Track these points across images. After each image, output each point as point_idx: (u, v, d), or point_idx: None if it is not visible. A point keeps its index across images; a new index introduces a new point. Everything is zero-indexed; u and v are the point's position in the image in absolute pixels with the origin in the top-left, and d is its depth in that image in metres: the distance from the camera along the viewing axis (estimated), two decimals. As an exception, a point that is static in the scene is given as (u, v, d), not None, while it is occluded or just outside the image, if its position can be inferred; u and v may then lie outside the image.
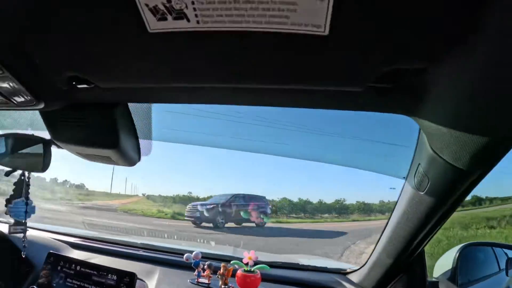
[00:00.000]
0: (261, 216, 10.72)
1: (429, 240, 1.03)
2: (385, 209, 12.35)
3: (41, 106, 0.81)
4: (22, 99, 0.81)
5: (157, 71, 0.62)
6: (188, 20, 0.43)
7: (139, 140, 0.96)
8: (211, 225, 9.66)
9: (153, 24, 0.45)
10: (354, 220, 12.77)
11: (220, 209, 10.03)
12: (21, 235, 1.07)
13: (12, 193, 1.02)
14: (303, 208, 13.98)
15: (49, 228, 1.56)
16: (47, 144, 0.94)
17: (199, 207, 10.02)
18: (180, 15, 0.43)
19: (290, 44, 0.45)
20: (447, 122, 0.58)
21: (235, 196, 10.84)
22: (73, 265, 1.16)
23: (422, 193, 0.84)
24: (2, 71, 0.68)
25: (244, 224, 10.29)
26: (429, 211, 0.86)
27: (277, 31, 0.42)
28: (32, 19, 0.50)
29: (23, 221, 1.06)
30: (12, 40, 0.58)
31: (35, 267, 1.24)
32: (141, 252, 1.35)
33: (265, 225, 10.67)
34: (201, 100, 0.76)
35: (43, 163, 0.95)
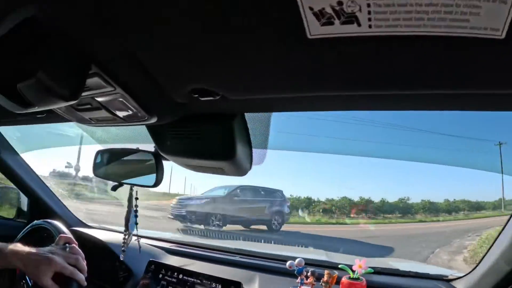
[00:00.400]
0: (276, 217, 8.31)
1: None
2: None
3: (153, 121, 0.79)
4: (132, 115, 0.80)
5: (302, 80, 0.57)
6: (359, 25, 0.39)
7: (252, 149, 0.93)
8: (202, 227, 7.40)
9: (314, 29, 0.41)
10: (420, 221, 10.96)
11: (216, 206, 7.93)
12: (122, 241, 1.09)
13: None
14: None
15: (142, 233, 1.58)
16: (157, 157, 0.92)
17: (187, 202, 8.11)
18: (351, 19, 0.39)
19: (462, 48, 0.42)
20: None
21: (240, 189, 8.24)
22: (175, 273, 1.16)
23: None
24: (113, 88, 0.66)
25: (252, 226, 8.00)
26: None
27: (453, 35, 0.39)
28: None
29: (132, 232, 1.07)
30: (129, 55, 0.56)
31: (134, 274, 1.25)
32: (237, 258, 1.33)
33: (281, 229, 8.18)
34: (341, 107, 0.72)
35: (156, 178, 0.92)
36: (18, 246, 0.90)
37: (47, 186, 1.55)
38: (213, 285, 1.10)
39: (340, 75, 0.53)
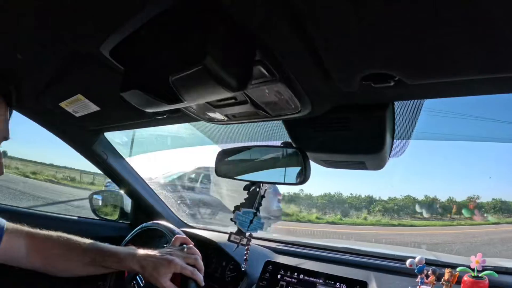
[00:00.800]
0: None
1: None
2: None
3: (304, 113, 0.75)
4: (282, 109, 0.76)
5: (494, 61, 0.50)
6: None
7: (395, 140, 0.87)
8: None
9: None
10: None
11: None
12: (236, 245, 1.06)
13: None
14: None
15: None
16: (304, 154, 0.87)
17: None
18: None
19: None
20: None
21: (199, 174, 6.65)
22: (295, 273, 1.13)
23: None
24: (274, 77, 0.62)
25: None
26: None
27: None
28: None
29: (246, 233, 1.03)
30: (298, 40, 0.52)
31: (247, 274, 1.23)
32: (348, 257, 1.28)
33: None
34: None
35: (304, 175, 0.87)
36: (134, 249, 0.90)
37: (151, 189, 1.60)
38: (337, 285, 1.05)
39: None
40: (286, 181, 0.93)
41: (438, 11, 0.40)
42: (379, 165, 0.90)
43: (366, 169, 0.92)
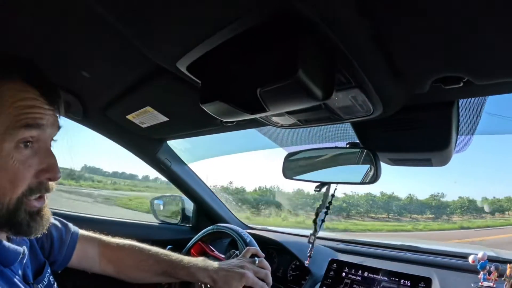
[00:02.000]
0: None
1: None
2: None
3: (376, 115, 0.78)
4: (354, 111, 0.79)
5: None
6: None
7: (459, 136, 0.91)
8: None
9: None
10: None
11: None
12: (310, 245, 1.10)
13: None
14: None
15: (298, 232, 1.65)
16: (374, 154, 0.92)
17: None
18: None
19: None
20: None
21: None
22: (359, 271, 1.16)
23: None
24: (351, 84, 0.66)
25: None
26: None
27: None
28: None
29: (317, 231, 1.09)
30: (375, 47, 0.55)
31: (312, 273, 1.28)
32: (408, 254, 1.30)
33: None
34: None
35: (376, 174, 0.91)
36: (205, 261, 0.91)
37: (213, 192, 1.70)
38: (402, 281, 1.08)
39: None
40: (356, 181, 0.98)
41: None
42: (444, 161, 0.94)
43: (431, 165, 0.96)
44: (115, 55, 0.82)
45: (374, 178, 0.92)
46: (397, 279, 1.09)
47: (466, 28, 0.49)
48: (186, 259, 0.93)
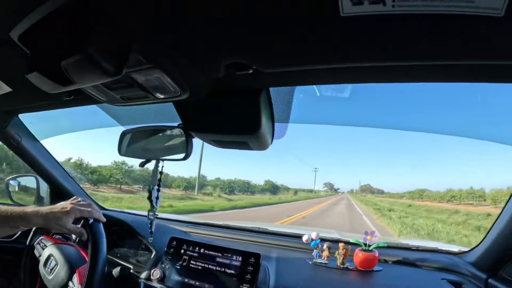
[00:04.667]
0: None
1: None
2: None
3: (185, 96, 0.83)
4: (165, 92, 0.84)
5: (332, 53, 0.62)
6: (385, 4, 0.46)
7: (275, 123, 0.97)
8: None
9: (347, 8, 0.48)
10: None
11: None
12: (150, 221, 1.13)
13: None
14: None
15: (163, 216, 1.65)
16: (187, 132, 0.96)
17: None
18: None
19: (467, 24, 0.49)
20: None
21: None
22: (197, 248, 1.21)
23: None
24: (151, 65, 0.69)
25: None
26: None
27: (460, 13, 0.46)
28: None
29: (155, 207, 1.10)
30: (166, 32, 0.60)
31: (156, 250, 1.29)
32: (254, 236, 1.39)
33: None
34: (358, 80, 0.77)
35: (186, 151, 0.97)
36: (36, 207, 0.98)
37: (66, 172, 1.60)
38: (234, 257, 1.15)
39: (368, 48, 0.59)
40: (174, 158, 1.03)
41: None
42: (262, 146, 1.00)
43: (251, 149, 1.02)
44: None
45: (185, 156, 0.98)
46: (229, 255, 1.16)
47: (243, 19, 0.54)
48: (19, 209, 0.97)
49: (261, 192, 33.74)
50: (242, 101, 0.86)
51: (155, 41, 0.63)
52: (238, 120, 0.91)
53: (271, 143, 1.01)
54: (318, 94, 1.01)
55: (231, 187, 28.86)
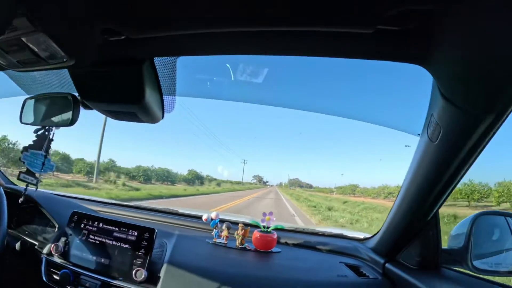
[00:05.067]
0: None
1: (443, 201, 1.02)
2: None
3: (72, 63, 0.85)
4: (53, 57, 0.86)
5: (192, 18, 0.66)
6: None
7: (163, 96, 1.00)
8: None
9: None
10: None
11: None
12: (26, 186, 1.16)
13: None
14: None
15: (75, 195, 1.65)
16: (75, 99, 0.99)
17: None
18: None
19: None
20: (459, 67, 0.61)
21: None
22: (96, 222, 1.22)
23: (435, 142, 0.84)
24: (36, 28, 0.71)
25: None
26: (443, 161, 0.86)
27: None
28: None
29: (37, 174, 1.12)
30: None
31: (60, 226, 1.30)
32: (161, 216, 1.40)
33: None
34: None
35: (72, 118, 1.00)
36: None
37: None
38: (130, 232, 1.16)
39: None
40: (60, 124, 1.05)
41: None
42: (152, 118, 1.02)
43: (142, 121, 1.04)
44: None
45: (70, 121, 1.00)
46: (126, 230, 1.17)
47: None
48: None
49: (182, 183, 31.89)
50: (126, 71, 0.89)
51: (37, 4, 0.64)
52: (123, 90, 0.93)
53: (162, 116, 1.04)
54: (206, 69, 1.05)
55: (146, 175, 26.73)
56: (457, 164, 0.84)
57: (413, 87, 1.01)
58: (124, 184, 20.17)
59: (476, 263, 1.12)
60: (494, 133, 0.74)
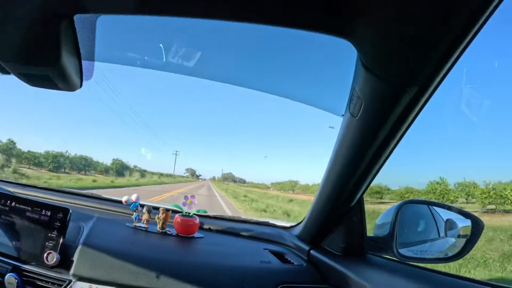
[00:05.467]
0: None
1: (368, 185, 1.01)
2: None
3: None
4: None
5: None
6: None
7: (82, 61, 0.96)
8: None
9: None
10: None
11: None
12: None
13: None
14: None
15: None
16: None
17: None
18: None
19: None
20: (380, 37, 0.60)
21: None
22: (8, 201, 1.13)
23: (357, 117, 0.80)
24: None
25: None
26: (364, 137, 0.82)
27: None
28: None
29: None
30: None
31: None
32: (81, 199, 1.33)
33: None
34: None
35: None
36: None
37: None
38: (43, 212, 1.09)
39: None
40: None
41: None
42: (69, 85, 0.98)
43: (59, 88, 0.99)
44: None
45: None
46: (39, 209, 1.10)
47: None
48: None
49: (103, 173, 28.51)
50: (41, 28, 0.82)
51: None
52: (36, 49, 0.87)
53: (80, 84, 1.00)
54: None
55: (57, 162, 23.29)
56: (381, 141, 0.80)
57: (339, 66, 0.99)
58: (15, 171, 17.14)
59: (402, 251, 1.12)
60: (421, 108, 0.72)
